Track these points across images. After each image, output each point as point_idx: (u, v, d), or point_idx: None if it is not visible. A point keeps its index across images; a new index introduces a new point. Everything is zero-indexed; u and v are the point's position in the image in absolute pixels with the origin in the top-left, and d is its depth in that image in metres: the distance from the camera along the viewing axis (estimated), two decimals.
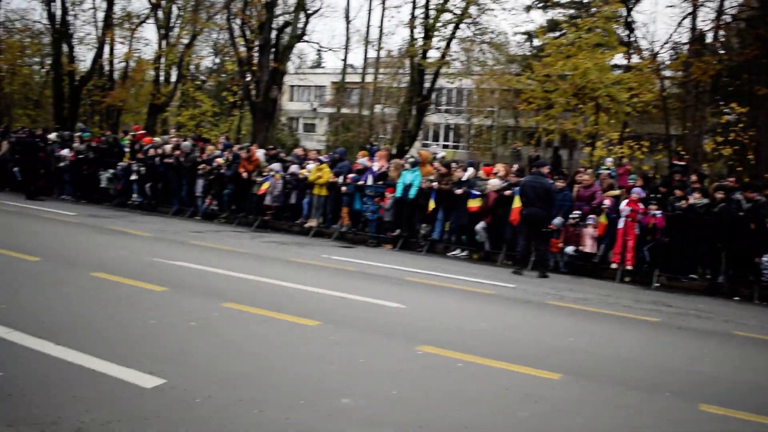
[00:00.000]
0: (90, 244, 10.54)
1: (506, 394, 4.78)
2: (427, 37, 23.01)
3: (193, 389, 4.25)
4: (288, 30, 24.74)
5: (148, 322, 5.82)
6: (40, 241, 10.40)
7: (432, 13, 23.36)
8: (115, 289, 7.14)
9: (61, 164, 18.13)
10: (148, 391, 4.17)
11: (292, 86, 47.04)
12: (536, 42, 31.54)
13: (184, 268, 8.94)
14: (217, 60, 37.72)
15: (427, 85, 24.58)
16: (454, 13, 23.22)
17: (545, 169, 12.25)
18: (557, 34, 26.41)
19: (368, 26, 29.39)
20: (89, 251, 9.71)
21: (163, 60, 29.47)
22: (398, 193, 13.35)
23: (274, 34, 23.59)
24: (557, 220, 12.04)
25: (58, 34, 28.86)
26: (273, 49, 23.19)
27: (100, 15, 30.36)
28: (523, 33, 34.05)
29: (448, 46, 23.64)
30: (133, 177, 17.02)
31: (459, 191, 12.81)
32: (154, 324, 5.80)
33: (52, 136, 19.27)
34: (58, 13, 28.96)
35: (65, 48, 29.46)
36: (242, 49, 25.20)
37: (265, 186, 14.67)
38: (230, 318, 6.27)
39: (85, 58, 32.44)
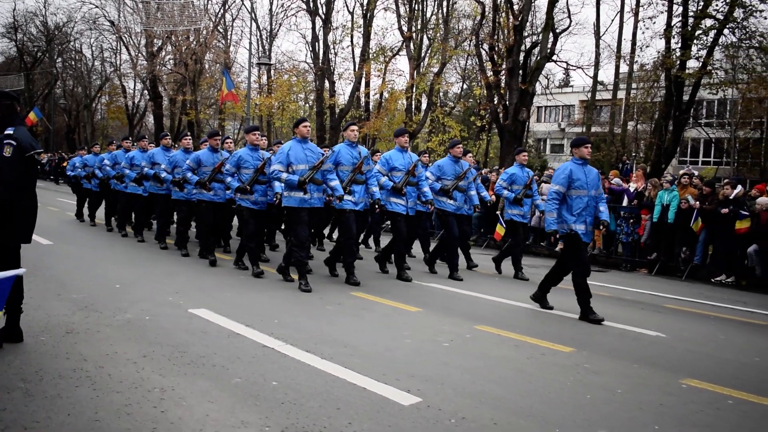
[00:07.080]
0: None
1: None
2: (686, 46, 21.49)
3: (448, 409, 4.33)
4: (536, 51, 24.61)
5: (404, 342, 6.05)
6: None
7: (690, 20, 21.80)
8: (372, 308, 7.55)
9: None
10: (406, 408, 4.32)
11: (540, 107, 46.57)
12: None
13: (435, 289, 9.20)
14: (465, 86, 38.63)
15: (685, 98, 22.95)
16: (717, 18, 21.46)
17: None
18: None
19: (619, 40, 28.20)
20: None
21: (414, 89, 30.84)
22: (656, 214, 12.59)
23: (521, 56, 23.58)
24: None
25: (321, 72, 31.63)
26: (521, 71, 23.16)
27: (357, 51, 32.74)
28: None
29: (709, 54, 21.87)
30: None
31: (725, 211, 11.76)
32: (409, 343, 6.01)
33: None
34: (321, 52, 31.85)
35: (327, 84, 32.19)
36: (490, 73, 25.51)
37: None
38: (483, 340, 6.31)
39: (343, 92, 35.06)
